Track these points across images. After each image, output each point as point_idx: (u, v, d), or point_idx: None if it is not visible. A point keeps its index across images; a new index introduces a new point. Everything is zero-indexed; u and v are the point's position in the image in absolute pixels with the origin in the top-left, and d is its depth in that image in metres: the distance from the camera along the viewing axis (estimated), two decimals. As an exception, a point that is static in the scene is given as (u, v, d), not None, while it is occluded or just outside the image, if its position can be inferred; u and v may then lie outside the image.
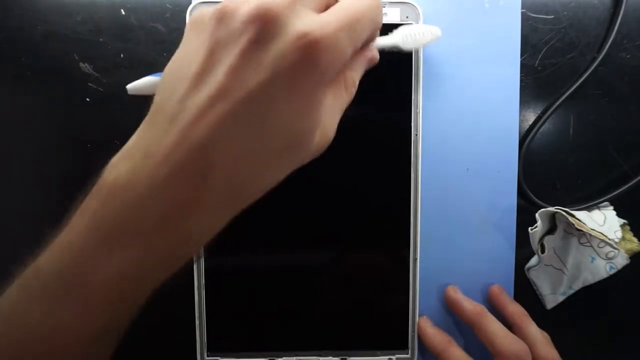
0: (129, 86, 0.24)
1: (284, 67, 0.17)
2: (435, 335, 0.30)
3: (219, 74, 0.18)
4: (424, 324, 0.31)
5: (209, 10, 0.19)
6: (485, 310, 0.30)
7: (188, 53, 0.19)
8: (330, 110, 0.20)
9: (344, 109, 0.21)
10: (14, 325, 0.19)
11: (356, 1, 0.19)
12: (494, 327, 0.29)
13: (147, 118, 0.20)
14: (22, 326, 0.19)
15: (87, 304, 0.18)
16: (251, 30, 0.17)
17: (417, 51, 0.30)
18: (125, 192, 0.18)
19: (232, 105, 0.17)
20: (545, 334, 0.30)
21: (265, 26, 0.17)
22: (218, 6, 0.18)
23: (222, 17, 0.18)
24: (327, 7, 0.19)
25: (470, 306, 0.30)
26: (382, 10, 0.20)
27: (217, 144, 0.17)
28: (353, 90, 0.21)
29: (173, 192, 0.18)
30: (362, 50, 0.21)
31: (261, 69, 0.17)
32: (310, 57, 0.17)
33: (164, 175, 0.18)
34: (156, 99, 0.20)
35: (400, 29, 0.25)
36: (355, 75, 0.21)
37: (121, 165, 0.19)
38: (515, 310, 0.31)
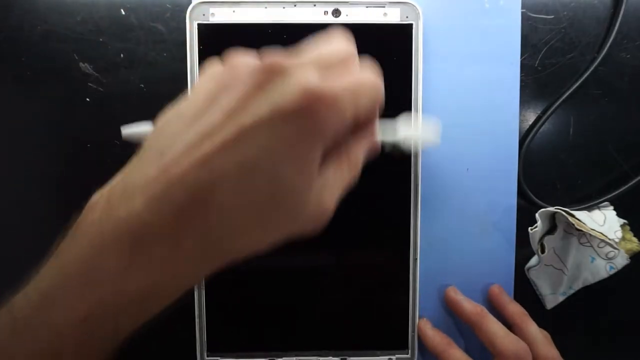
0: (124, 131, 0.23)
1: (282, 112, 0.16)
2: (435, 337, 0.30)
3: (214, 114, 0.17)
4: (424, 326, 0.31)
5: (220, 63, 0.19)
6: (485, 310, 0.30)
7: (191, 97, 0.19)
8: (330, 184, 0.19)
9: (346, 187, 0.20)
10: None
11: (364, 75, 0.19)
12: (494, 328, 0.29)
13: (135, 157, 0.19)
14: None
15: (49, 348, 0.18)
16: (256, 77, 0.17)
17: (417, 51, 0.30)
18: (94, 232, 0.17)
19: (220, 144, 0.16)
20: (546, 333, 0.30)
21: (271, 75, 0.17)
22: (230, 59, 0.19)
23: (231, 67, 0.18)
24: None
25: (470, 306, 0.30)
26: (383, 91, 0.20)
27: (199, 184, 0.16)
28: (357, 169, 0.21)
29: (143, 231, 0.17)
30: (365, 132, 0.21)
31: (258, 111, 0.17)
32: (311, 108, 0.16)
33: (136, 211, 0.17)
34: (149, 137, 0.19)
35: (400, 126, 0.25)
36: (359, 154, 0.21)
37: (97, 204, 0.18)
38: (515, 310, 0.31)
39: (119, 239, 0.17)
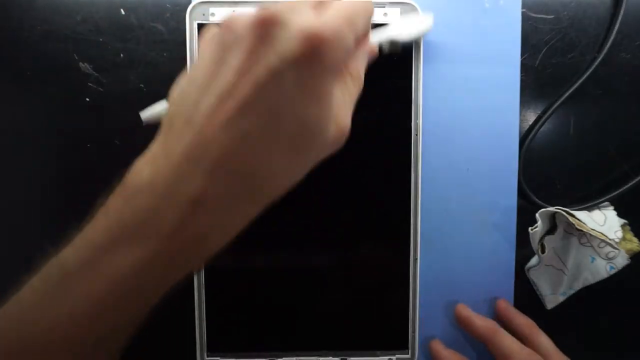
0: (144, 116, 0.25)
1: (290, 59, 0.17)
2: (451, 357, 0.31)
3: (226, 74, 0.18)
4: (437, 347, 0.31)
5: (216, 27, 0.20)
6: (497, 325, 0.30)
7: (198, 64, 0.20)
8: (341, 102, 0.21)
9: (355, 100, 0.22)
10: (31, 314, 0.20)
11: None
12: (508, 342, 0.29)
13: (163, 125, 0.20)
14: (39, 314, 0.19)
15: (98, 297, 0.19)
16: (255, 32, 0.18)
17: (417, 51, 0.30)
18: (146, 192, 0.19)
19: (241, 101, 0.18)
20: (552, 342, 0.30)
21: (268, 26, 0.18)
22: (225, 19, 0.19)
23: (227, 27, 0.19)
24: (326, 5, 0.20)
25: (482, 323, 0.30)
26: (371, 3, 0.21)
27: (231, 140, 0.18)
28: (360, 81, 0.22)
29: (190, 190, 0.18)
30: (361, 43, 0.22)
31: (267, 63, 0.17)
32: (315, 48, 0.17)
33: (182, 174, 0.18)
34: (170, 109, 0.20)
35: (393, 23, 0.27)
36: (359, 67, 0.22)
37: (144, 168, 0.19)
38: (524, 322, 0.31)
39: (173, 198, 0.18)
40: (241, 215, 0.20)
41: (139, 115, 0.31)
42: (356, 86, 0.22)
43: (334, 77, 0.19)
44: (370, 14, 0.21)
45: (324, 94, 0.19)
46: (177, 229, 0.18)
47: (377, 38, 0.26)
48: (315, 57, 0.17)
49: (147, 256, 0.19)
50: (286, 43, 0.17)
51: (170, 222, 0.18)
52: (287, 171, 0.20)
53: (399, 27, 0.27)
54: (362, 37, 0.22)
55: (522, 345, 0.29)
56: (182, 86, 0.21)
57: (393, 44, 0.26)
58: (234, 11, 0.29)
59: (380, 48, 0.26)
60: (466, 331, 0.31)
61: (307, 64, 0.18)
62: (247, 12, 0.19)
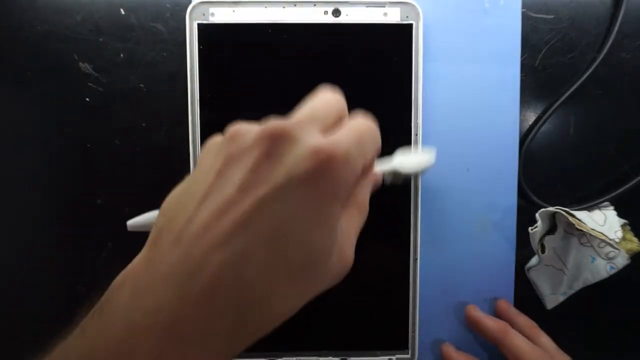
0: (129, 223, 0.23)
1: (299, 177, 0.16)
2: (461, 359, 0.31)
3: (227, 189, 0.17)
4: (449, 350, 0.31)
5: (219, 136, 0.19)
6: (508, 325, 0.30)
7: (197, 175, 0.18)
8: (346, 232, 0.19)
9: (359, 231, 0.21)
10: None
11: (359, 123, 0.19)
12: (519, 343, 0.29)
13: (151, 239, 0.18)
14: None
15: None
16: (263, 145, 0.17)
17: (417, 51, 0.30)
18: (120, 320, 0.17)
19: (239, 218, 0.16)
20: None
21: (278, 140, 0.17)
22: (230, 128, 0.18)
23: (234, 137, 0.18)
24: (333, 127, 0.19)
25: (493, 324, 0.30)
26: (379, 134, 0.20)
27: (223, 263, 0.16)
28: (365, 211, 0.21)
29: (173, 319, 0.16)
30: (367, 172, 0.21)
31: (274, 180, 0.16)
32: (325, 168, 0.16)
33: (163, 300, 0.16)
34: (159, 223, 0.18)
35: (397, 156, 0.27)
36: (365, 196, 0.21)
37: (124, 287, 0.18)
38: (525, 322, 0.31)
39: (149, 329, 0.16)
40: (224, 350, 0.17)
41: (139, 115, 0.31)
42: (362, 216, 0.21)
43: (341, 203, 0.18)
44: (378, 143, 0.20)
45: (330, 219, 0.17)
46: None
47: (381, 168, 0.26)
48: (324, 176, 0.16)
49: None
50: (295, 160, 0.16)
51: (146, 357, 0.16)
52: (282, 306, 0.18)
53: (402, 159, 0.27)
54: (369, 165, 0.20)
55: (534, 346, 0.29)
56: (176, 196, 0.19)
57: (396, 175, 0.26)
58: (234, 11, 0.29)
59: (383, 179, 0.26)
60: (476, 332, 0.31)
61: (315, 183, 0.16)
62: (254, 127, 0.18)
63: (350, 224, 0.20)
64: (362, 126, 0.19)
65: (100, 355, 0.16)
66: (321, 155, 0.16)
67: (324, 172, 0.16)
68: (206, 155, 0.19)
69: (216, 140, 0.19)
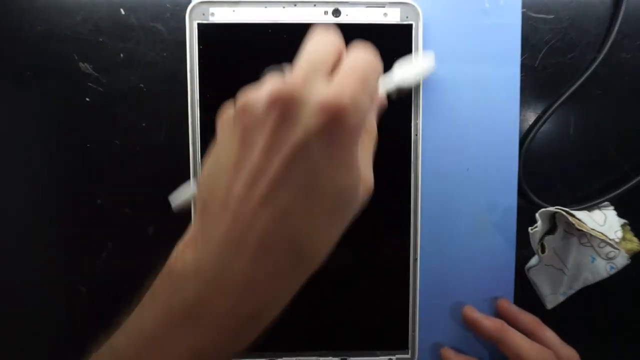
0: (172, 198, 0.25)
1: (314, 132, 0.18)
2: None
3: (254, 157, 0.18)
4: (449, 354, 0.31)
5: (231, 107, 0.20)
6: (505, 324, 0.30)
7: (222, 147, 0.20)
8: (362, 159, 0.21)
9: (372, 152, 0.22)
10: None
11: (359, 57, 0.20)
12: (517, 340, 0.29)
13: (198, 210, 0.20)
14: None
15: None
16: (275, 112, 0.18)
17: (416, 50, 0.30)
18: (192, 280, 0.19)
19: (273, 179, 0.18)
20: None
21: (286, 105, 0.18)
22: (239, 100, 0.19)
23: (244, 108, 0.19)
24: (332, 70, 0.20)
25: (490, 323, 0.30)
26: (379, 59, 0.21)
27: (268, 220, 0.18)
28: (374, 134, 0.23)
29: (237, 275, 0.18)
30: (373, 101, 0.22)
31: (293, 140, 0.18)
32: (337, 119, 0.18)
33: (226, 259, 0.18)
34: (202, 193, 0.20)
35: (395, 68, 0.27)
36: (372, 121, 0.23)
37: (187, 253, 0.19)
38: (528, 319, 0.31)
39: (221, 284, 0.18)
40: (289, 288, 0.20)
41: (139, 115, 0.31)
42: (372, 140, 0.22)
43: (357, 139, 0.19)
44: (380, 72, 0.21)
45: (350, 159, 0.19)
46: (228, 314, 0.19)
47: (384, 88, 0.26)
48: (337, 126, 0.18)
49: (200, 344, 0.19)
50: (307, 119, 0.18)
51: (221, 309, 0.19)
52: (327, 238, 0.20)
53: (403, 72, 0.27)
54: (374, 95, 0.22)
55: (532, 342, 0.29)
56: (208, 170, 0.21)
57: (399, 90, 0.27)
58: (234, 11, 0.29)
59: (388, 95, 0.26)
60: (474, 332, 0.31)
61: (330, 134, 0.18)
62: (261, 93, 0.19)
63: (364, 150, 0.21)
64: (362, 62, 0.20)
65: (178, 313, 0.19)
66: (330, 108, 0.18)
67: (336, 123, 0.18)
68: (223, 129, 0.21)
69: (229, 112, 0.20)
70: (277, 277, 0.19)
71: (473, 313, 0.31)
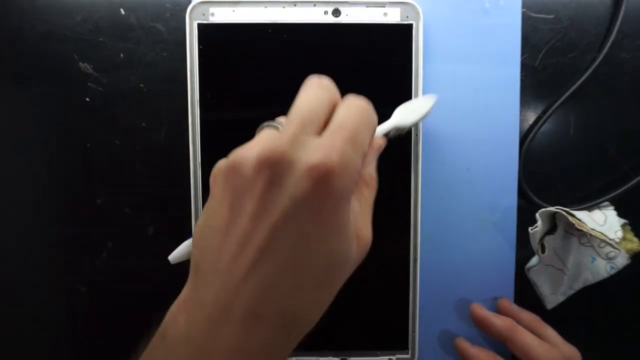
0: (171, 257, 0.25)
1: (301, 198, 0.17)
2: (480, 354, 0.31)
3: (242, 223, 0.18)
4: (464, 345, 0.31)
5: (223, 163, 0.20)
6: (515, 322, 0.30)
7: (214, 205, 0.20)
8: (359, 213, 0.20)
9: (372, 205, 0.22)
10: None
11: (350, 112, 0.19)
12: (527, 339, 0.29)
13: (192, 270, 0.20)
14: None
15: None
16: (263, 175, 0.18)
17: (417, 51, 0.30)
18: (184, 343, 0.18)
19: (260, 246, 0.18)
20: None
21: (274, 168, 0.18)
22: (228, 159, 0.19)
23: (234, 167, 0.19)
24: (325, 124, 0.19)
25: (500, 321, 0.30)
26: (373, 110, 0.20)
27: (257, 286, 0.18)
28: (374, 184, 0.22)
29: (226, 341, 0.18)
30: (369, 148, 0.22)
31: (280, 206, 0.17)
32: (324, 182, 0.17)
33: (216, 325, 0.18)
34: (195, 255, 0.20)
35: (396, 113, 0.27)
36: (371, 170, 0.22)
37: (179, 316, 0.19)
38: (529, 317, 0.31)
39: (211, 350, 0.18)
40: (281, 353, 0.20)
41: (139, 115, 0.31)
42: (371, 191, 0.22)
43: (348, 200, 0.19)
44: (374, 124, 0.20)
45: (341, 222, 0.19)
46: None
47: (382, 131, 0.26)
48: (325, 190, 0.17)
49: None
50: (294, 184, 0.17)
51: None
52: (319, 304, 0.20)
53: (402, 115, 0.27)
54: (369, 145, 0.21)
55: (541, 341, 0.29)
56: (202, 228, 0.20)
57: (399, 130, 0.26)
58: (234, 11, 0.29)
59: (386, 135, 0.26)
60: (483, 330, 0.31)
61: (318, 198, 0.17)
62: (251, 153, 0.18)
63: (362, 202, 0.21)
64: (354, 117, 0.19)
65: None
66: (317, 172, 0.17)
67: (323, 186, 0.17)
68: (216, 184, 0.20)
69: (220, 167, 0.20)
70: (267, 344, 0.19)
71: (482, 311, 0.31)
